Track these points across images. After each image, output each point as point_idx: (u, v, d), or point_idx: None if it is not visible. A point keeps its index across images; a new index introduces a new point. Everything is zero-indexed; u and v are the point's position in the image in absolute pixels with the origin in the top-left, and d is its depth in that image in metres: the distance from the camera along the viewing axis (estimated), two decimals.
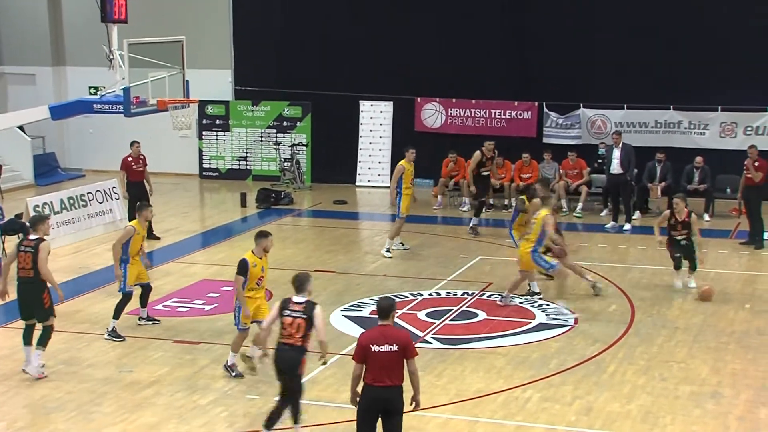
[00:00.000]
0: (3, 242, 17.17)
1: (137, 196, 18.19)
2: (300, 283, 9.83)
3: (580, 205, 21.71)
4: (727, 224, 20.39)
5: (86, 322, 14.09)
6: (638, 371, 11.98)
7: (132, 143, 19.05)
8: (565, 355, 12.58)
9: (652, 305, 14.71)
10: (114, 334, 13.23)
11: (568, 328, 13.66)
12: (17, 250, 12.10)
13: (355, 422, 9.00)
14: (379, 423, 8.83)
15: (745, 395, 11.16)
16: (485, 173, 20.00)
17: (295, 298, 9.76)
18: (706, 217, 20.96)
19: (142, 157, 18.95)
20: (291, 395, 9.81)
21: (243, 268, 11.53)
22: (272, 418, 9.88)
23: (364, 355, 8.70)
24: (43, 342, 11.95)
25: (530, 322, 13.91)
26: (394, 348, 8.63)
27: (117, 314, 13.31)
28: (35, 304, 12.02)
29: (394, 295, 15.05)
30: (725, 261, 17.51)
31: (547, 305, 14.65)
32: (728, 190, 21.53)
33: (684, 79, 22.70)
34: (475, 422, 10.48)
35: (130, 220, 17.99)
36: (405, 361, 8.71)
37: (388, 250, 17.72)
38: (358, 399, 8.86)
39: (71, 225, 19.13)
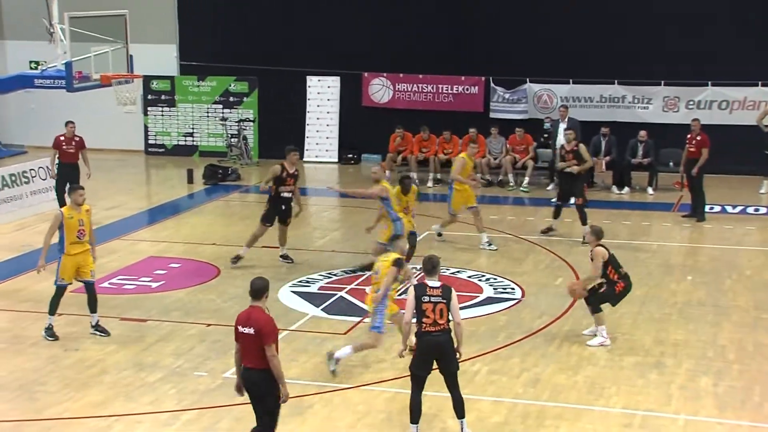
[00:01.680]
0: None
1: (67, 177, 17.73)
2: (432, 266, 9.60)
3: (526, 180, 21.87)
4: (670, 197, 20.69)
5: (30, 300, 13.89)
6: (584, 343, 12.15)
7: (67, 123, 18.28)
8: (513, 328, 12.70)
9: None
10: (49, 332, 12.26)
11: (515, 301, 13.78)
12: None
13: (303, 397, 9.02)
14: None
15: (686, 365, 11.38)
16: (286, 194, 15.25)
17: (431, 283, 9.52)
18: (650, 190, 21.27)
19: (77, 138, 18.18)
20: (453, 380, 9.49)
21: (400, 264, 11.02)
22: (415, 411, 9.45)
23: (237, 334, 8.63)
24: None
25: (478, 296, 14.01)
26: (251, 331, 8.47)
27: (52, 310, 12.33)
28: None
29: (343, 271, 15.08)
30: (668, 233, 17.79)
31: (494, 279, 14.75)
32: (671, 163, 21.82)
33: (628, 53, 22.92)
34: (423, 396, 10.53)
35: (60, 203, 17.81)
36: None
37: (490, 243, 16.57)
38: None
39: (13, 202, 18.82)
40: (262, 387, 8.55)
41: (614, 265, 12.04)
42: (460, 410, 9.51)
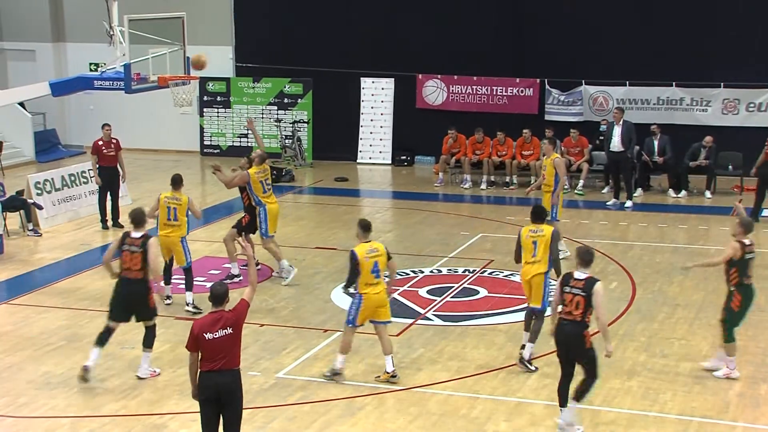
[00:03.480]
0: (4, 219, 17.19)
1: (109, 180, 18.08)
2: (590, 257, 9.71)
3: (581, 183, 21.69)
4: (728, 201, 20.34)
5: (88, 299, 14.11)
6: (639, 348, 12.01)
7: (103, 126, 18.44)
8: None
9: (653, 282, 14.72)
10: (193, 307, 13.39)
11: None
12: (119, 250, 11.06)
13: (355, 398, 9.03)
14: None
15: (745, 371, 11.18)
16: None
17: (577, 274, 9.64)
18: (708, 194, 20.97)
19: (114, 140, 18.31)
20: (588, 369, 9.67)
21: None
22: (561, 395, 9.72)
23: (196, 343, 8.44)
24: (148, 343, 11.23)
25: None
26: (229, 331, 8.40)
27: (189, 286, 13.58)
28: (141, 304, 11.10)
29: (399, 272, 15.06)
30: (726, 237, 17.42)
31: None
32: (730, 167, 21.50)
33: (686, 55, 22.63)
34: (476, 398, 10.51)
35: (101, 209, 18.17)
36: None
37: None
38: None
39: (72, 202, 19.12)
40: (235, 388, 8.47)
41: (741, 269, 10.97)
42: (579, 394, 9.70)
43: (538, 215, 11.59)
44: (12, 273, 15.48)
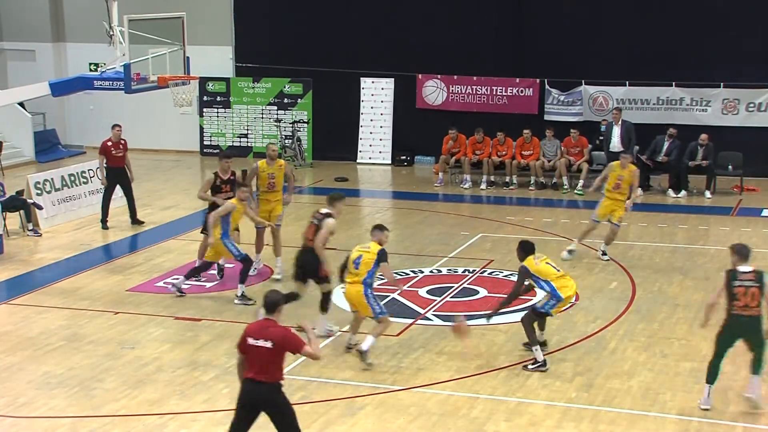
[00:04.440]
0: (4, 219, 17.19)
1: (115, 182, 18.09)
2: (748, 251, 10.08)
3: (581, 183, 21.69)
4: (728, 201, 20.38)
5: (88, 298, 14.11)
6: (639, 348, 12.01)
7: (113, 126, 18.33)
8: (566, 332, 12.59)
9: (653, 282, 14.71)
10: (243, 299, 13.67)
11: (569, 305, 13.65)
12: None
13: (355, 398, 9.03)
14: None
15: (745, 371, 11.15)
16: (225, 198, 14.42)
17: (741, 268, 9.98)
18: (708, 194, 20.97)
19: (122, 141, 18.27)
20: (759, 354, 10.12)
21: None
22: (712, 372, 10.17)
23: (243, 345, 8.35)
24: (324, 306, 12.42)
25: (531, 299, 13.90)
26: (267, 345, 8.17)
27: (243, 279, 13.81)
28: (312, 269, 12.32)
29: (395, 273, 15.08)
30: (726, 237, 17.47)
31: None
32: (730, 167, 21.50)
33: (686, 55, 22.63)
34: (476, 398, 10.51)
35: (104, 210, 18.18)
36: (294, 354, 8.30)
37: (604, 253, 16.07)
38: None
39: (72, 202, 19.11)
40: (277, 400, 8.29)
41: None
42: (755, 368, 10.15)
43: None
44: (12, 273, 15.48)
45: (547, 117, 23.62)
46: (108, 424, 9.97)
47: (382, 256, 11.44)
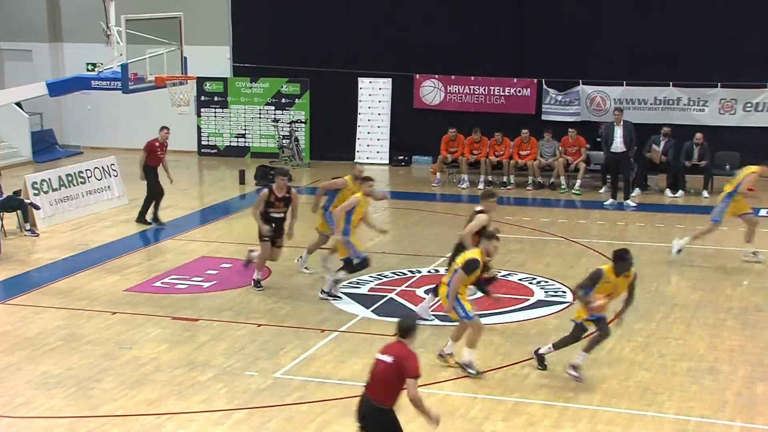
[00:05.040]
0: (1, 219, 17.18)
1: (155, 180, 18.23)
2: None
3: (578, 182, 21.71)
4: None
5: (85, 298, 14.11)
6: (636, 348, 12.02)
7: (162, 128, 18.47)
8: (563, 332, 12.51)
9: (651, 282, 14.71)
10: (331, 293, 13.86)
11: (566, 305, 13.68)
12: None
13: (353, 398, 9.00)
14: None
15: (742, 371, 11.20)
16: (276, 215, 14.34)
17: None
18: (705, 193, 20.99)
19: (167, 143, 18.57)
20: None
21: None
22: None
23: (374, 362, 8.24)
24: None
25: (528, 299, 13.93)
26: (389, 359, 7.95)
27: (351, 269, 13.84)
28: None
29: (393, 272, 15.09)
30: (724, 237, 17.49)
31: (545, 282, 14.65)
32: (728, 166, 21.52)
33: (684, 55, 22.65)
34: (474, 398, 10.52)
35: (145, 209, 18.34)
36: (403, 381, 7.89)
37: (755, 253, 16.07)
38: None
39: (69, 202, 19.10)
40: (373, 422, 8.01)
41: None
42: None
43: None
44: (9, 273, 15.48)
45: (544, 117, 23.64)
46: (106, 424, 9.97)
47: (466, 266, 10.92)
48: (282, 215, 14.33)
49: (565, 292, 14.17)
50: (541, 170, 22.22)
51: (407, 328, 8.22)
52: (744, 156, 21.50)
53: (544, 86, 23.74)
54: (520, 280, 14.83)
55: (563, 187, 21.79)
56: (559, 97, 23.67)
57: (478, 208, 12.79)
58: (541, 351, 11.33)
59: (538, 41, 23.76)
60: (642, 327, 12.77)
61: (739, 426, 9.85)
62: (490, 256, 11.33)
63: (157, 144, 18.35)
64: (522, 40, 23.97)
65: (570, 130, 22.30)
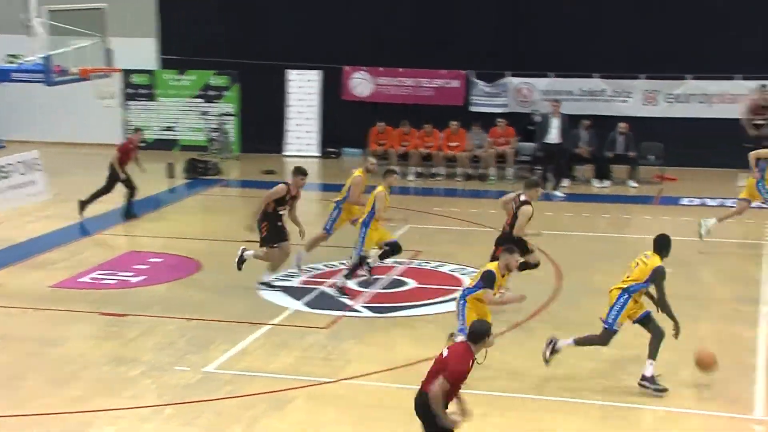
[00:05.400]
0: None
1: (114, 177, 18.22)
2: None
3: (511, 171, 21.94)
4: (651, 191, 20.78)
5: (11, 296, 13.81)
6: (565, 335, 12.14)
7: (135, 130, 19.16)
8: (495, 321, 12.67)
9: (579, 271, 14.92)
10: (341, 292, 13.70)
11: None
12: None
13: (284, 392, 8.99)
14: None
15: (666, 356, 11.38)
16: (283, 212, 13.92)
17: None
18: (632, 183, 21.37)
19: (139, 144, 18.97)
20: None
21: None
22: None
23: None
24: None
25: (459, 289, 14.00)
26: (445, 353, 7.96)
27: (349, 274, 13.84)
28: None
29: (324, 265, 15.05)
30: (648, 226, 17.80)
31: (475, 272, 14.74)
32: (651, 156, 21.94)
33: (609, 47, 22.99)
34: (405, 389, 10.53)
35: (128, 208, 18.21)
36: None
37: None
38: None
39: None
40: (419, 410, 7.98)
41: None
42: None
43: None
44: None
45: (473, 108, 23.81)
46: (31, 422, 9.78)
47: (486, 279, 10.52)
48: (285, 214, 13.93)
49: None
50: (470, 161, 22.38)
51: (476, 333, 8.10)
52: (667, 146, 21.99)
53: (473, 78, 23.90)
54: (451, 270, 14.92)
55: (492, 178, 21.98)
56: (487, 89, 23.86)
57: (523, 197, 12.79)
58: (558, 345, 10.86)
59: (466, 33, 23.88)
60: (569, 315, 12.93)
61: (662, 410, 10.03)
62: (510, 269, 10.72)
63: (131, 146, 18.46)
64: (450, 32, 24.08)
65: (499, 121, 22.51)
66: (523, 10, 23.55)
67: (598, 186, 21.45)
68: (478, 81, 23.89)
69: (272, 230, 13.72)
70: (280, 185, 13.82)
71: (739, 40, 22.32)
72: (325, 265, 15.12)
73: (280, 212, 13.77)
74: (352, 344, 11.90)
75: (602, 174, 21.64)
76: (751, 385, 10.50)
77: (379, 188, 13.83)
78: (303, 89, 25.36)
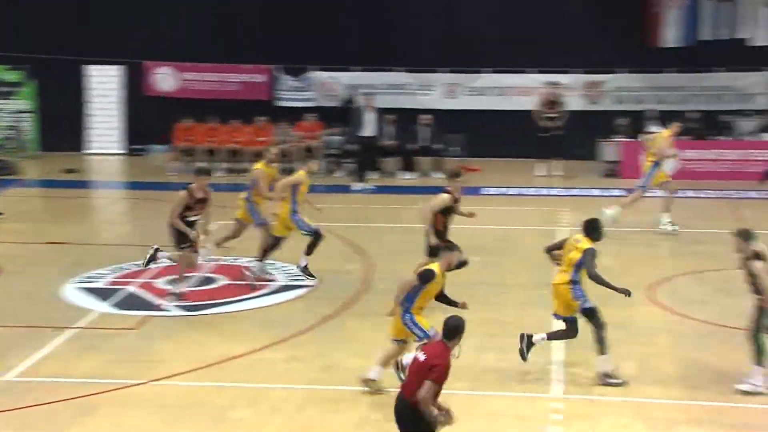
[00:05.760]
0: None
1: None
2: None
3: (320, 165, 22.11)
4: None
5: None
6: (375, 326, 12.33)
7: None
8: (307, 315, 12.78)
9: (389, 263, 15.16)
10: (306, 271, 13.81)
11: (309, 288, 13.88)
12: None
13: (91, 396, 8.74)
14: None
15: (471, 341, 11.69)
16: (194, 218, 13.19)
17: None
18: (437, 174, 21.96)
19: None
20: None
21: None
22: None
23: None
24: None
25: (271, 285, 14.02)
26: (423, 356, 7.74)
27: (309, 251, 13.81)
28: None
29: (135, 264, 14.66)
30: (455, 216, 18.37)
31: (286, 266, 14.79)
32: (455, 148, 22.63)
33: (410, 41, 23.51)
34: (218, 387, 10.46)
35: None
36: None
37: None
38: None
39: None
40: (400, 416, 7.72)
41: None
42: None
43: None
44: None
45: (280, 103, 23.83)
46: None
47: (422, 276, 9.90)
48: (198, 218, 13.21)
49: (307, 276, 14.33)
50: (280, 157, 22.35)
51: (451, 329, 7.95)
52: (469, 138, 22.74)
53: (277, 72, 23.90)
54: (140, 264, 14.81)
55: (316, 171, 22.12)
56: (293, 83, 23.94)
57: (447, 187, 12.69)
58: (535, 338, 10.66)
59: (270, 27, 23.84)
60: (380, 306, 13.10)
61: (464, 394, 10.23)
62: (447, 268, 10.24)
63: None
64: (255, 26, 23.98)
65: (307, 115, 22.65)
66: (328, 4, 23.72)
67: (403, 178, 21.92)
68: (283, 75, 23.91)
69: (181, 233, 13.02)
70: (181, 192, 13.15)
71: (532, 36, 23.30)
72: (135, 264, 14.74)
73: (190, 219, 13.09)
74: (162, 344, 11.68)
75: (408, 166, 22.13)
76: (548, 365, 10.97)
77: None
78: (104, 85, 24.62)
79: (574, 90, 23.44)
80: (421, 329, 9.93)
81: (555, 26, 23.23)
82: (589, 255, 10.20)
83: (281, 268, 14.80)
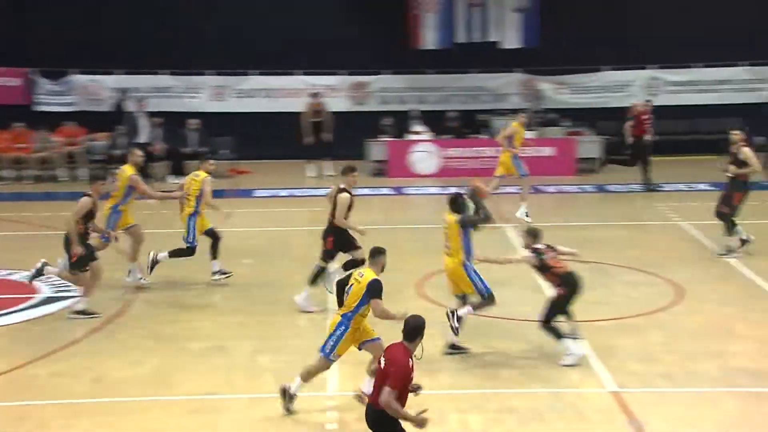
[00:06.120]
0: None
1: None
2: None
3: (84, 171, 21.45)
4: (226, 184, 21.27)
5: None
6: (147, 336, 12.09)
7: None
8: (75, 327, 12.31)
9: (161, 268, 14.84)
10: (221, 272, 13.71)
11: (75, 300, 13.35)
12: None
13: None
14: None
15: (247, 346, 11.73)
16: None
17: None
18: (173, 179, 21.67)
19: None
20: None
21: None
22: None
23: None
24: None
25: (33, 297, 13.41)
26: (381, 364, 7.63)
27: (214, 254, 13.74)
28: None
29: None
30: (232, 221, 18.24)
31: (52, 278, 14.17)
32: (225, 151, 22.51)
33: (174, 43, 23.17)
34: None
35: None
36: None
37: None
38: None
39: None
40: (382, 425, 7.59)
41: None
42: None
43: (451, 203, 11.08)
44: None
45: (39, 108, 22.87)
46: None
47: (372, 289, 9.38)
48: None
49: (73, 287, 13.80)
50: (40, 163, 21.51)
51: (412, 329, 7.70)
52: (239, 140, 22.67)
53: (35, 76, 22.94)
54: (23, 278, 14.17)
55: (64, 178, 21.32)
56: (52, 87, 23.03)
57: (341, 185, 12.39)
58: (459, 312, 10.86)
59: (28, 29, 22.80)
60: (151, 314, 12.89)
61: (247, 397, 10.27)
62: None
63: None
64: (12, 26, 22.86)
65: (66, 123, 21.90)
66: (89, 5, 22.95)
67: (173, 182, 21.52)
68: (41, 79, 22.95)
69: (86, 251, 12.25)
70: (83, 198, 12.24)
71: (300, 37, 23.53)
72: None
73: (91, 230, 12.43)
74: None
75: (177, 170, 21.79)
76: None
77: (202, 174, 14.11)
78: None
79: (341, 91, 23.89)
80: (333, 339, 9.60)
81: (320, 28, 23.54)
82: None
83: (44, 279, 14.16)
